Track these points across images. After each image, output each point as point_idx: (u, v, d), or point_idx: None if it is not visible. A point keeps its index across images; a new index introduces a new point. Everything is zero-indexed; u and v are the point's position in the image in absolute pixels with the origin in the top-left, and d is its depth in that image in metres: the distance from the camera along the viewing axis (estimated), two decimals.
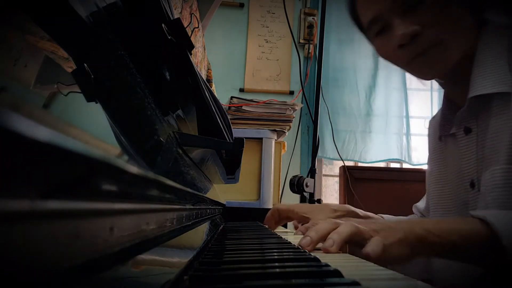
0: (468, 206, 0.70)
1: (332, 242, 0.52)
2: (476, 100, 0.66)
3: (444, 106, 0.80)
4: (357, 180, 2.11)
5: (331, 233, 0.54)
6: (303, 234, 0.80)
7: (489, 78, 0.64)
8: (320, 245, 0.54)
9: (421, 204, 0.95)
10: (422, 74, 0.72)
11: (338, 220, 0.58)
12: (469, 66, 0.68)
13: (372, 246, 0.50)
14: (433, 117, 0.88)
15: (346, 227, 0.54)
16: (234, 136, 0.73)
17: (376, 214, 0.95)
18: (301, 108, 1.99)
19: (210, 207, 0.82)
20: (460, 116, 0.71)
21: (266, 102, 1.67)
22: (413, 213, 0.99)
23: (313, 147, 1.51)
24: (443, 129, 0.80)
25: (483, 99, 0.66)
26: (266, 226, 1.01)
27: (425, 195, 0.93)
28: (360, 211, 0.92)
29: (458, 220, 0.62)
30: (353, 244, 0.55)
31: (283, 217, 0.97)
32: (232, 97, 1.70)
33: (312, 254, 0.45)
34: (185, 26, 0.44)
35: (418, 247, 0.54)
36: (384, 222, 0.57)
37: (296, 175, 1.43)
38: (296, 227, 0.99)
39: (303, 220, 0.91)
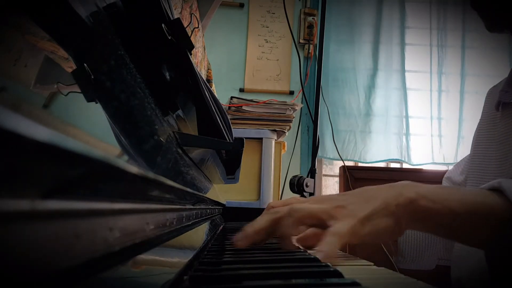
0: None
1: (284, 239, 0.44)
2: None
3: None
4: (357, 180, 2.10)
5: (280, 228, 0.45)
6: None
7: None
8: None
9: (457, 177, 0.84)
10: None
11: (281, 208, 0.48)
12: None
13: (322, 248, 0.40)
14: (495, 86, 0.81)
15: (289, 217, 0.45)
16: (234, 136, 0.73)
17: None
18: (301, 108, 1.99)
19: (210, 207, 0.82)
20: None
21: (266, 102, 1.67)
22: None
23: (313, 147, 1.51)
24: (504, 96, 0.71)
25: None
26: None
27: (460, 168, 0.85)
28: None
29: (462, 188, 0.52)
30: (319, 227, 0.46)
31: None
32: (232, 97, 1.70)
33: (312, 254, 0.45)
34: (185, 26, 0.44)
35: (406, 215, 0.44)
36: (358, 190, 0.47)
37: (296, 175, 1.43)
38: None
39: None
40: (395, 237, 0.44)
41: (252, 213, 1.43)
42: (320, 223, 0.44)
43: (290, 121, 1.68)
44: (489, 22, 0.66)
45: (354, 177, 2.11)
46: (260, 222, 0.47)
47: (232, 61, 2.59)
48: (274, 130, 1.61)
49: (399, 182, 0.49)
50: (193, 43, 0.49)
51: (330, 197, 0.48)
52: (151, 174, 0.26)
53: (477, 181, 0.75)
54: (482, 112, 0.82)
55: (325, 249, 0.39)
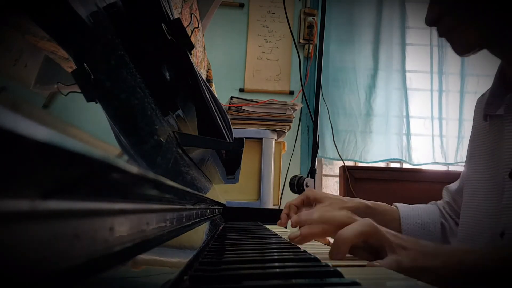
0: (504, 197, 0.63)
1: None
2: None
3: (496, 83, 0.72)
4: (357, 180, 2.11)
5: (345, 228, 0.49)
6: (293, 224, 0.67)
7: None
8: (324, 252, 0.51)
9: (454, 186, 0.88)
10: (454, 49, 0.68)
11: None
12: None
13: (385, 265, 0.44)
14: (482, 95, 0.80)
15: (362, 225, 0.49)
16: (234, 136, 0.73)
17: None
18: (301, 108, 1.99)
19: (210, 207, 0.82)
20: (511, 97, 0.65)
21: (266, 102, 1.67)
22: (440, 198, 0.92)
23: (313, 147, 1.51)
24: (489, 108, 0.71)
25: None
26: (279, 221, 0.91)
27: (461, 177, 0.87)
28: (370, 202, 0.85)
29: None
30: (367, 248, 0.49)
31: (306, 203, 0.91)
32: (232, 97, 1.70)
33: (312, 254, 0.45)
34: (185, 26, 0.44)
35: (449, 280, 0.48)
36: (419, 243, 0.50)
37: (296, 175, 1.43)
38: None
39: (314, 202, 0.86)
40: None
41: (252, 213, 1.43)
42: (375, 245, 0.50)
43: (290, 121, 1.68)
44: (464, 44, 0.65)
45: (354, 177, 2.11)
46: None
47: (232, 61, 2.59)
48: (274, 130, 1.61)
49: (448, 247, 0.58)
50: (193, 43, 0.49)
51: (394, 234, 0.52)
52: (151, 174, 0.26)
53: (470, 196, 0.74)
54: (473, 123, 0.81)
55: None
